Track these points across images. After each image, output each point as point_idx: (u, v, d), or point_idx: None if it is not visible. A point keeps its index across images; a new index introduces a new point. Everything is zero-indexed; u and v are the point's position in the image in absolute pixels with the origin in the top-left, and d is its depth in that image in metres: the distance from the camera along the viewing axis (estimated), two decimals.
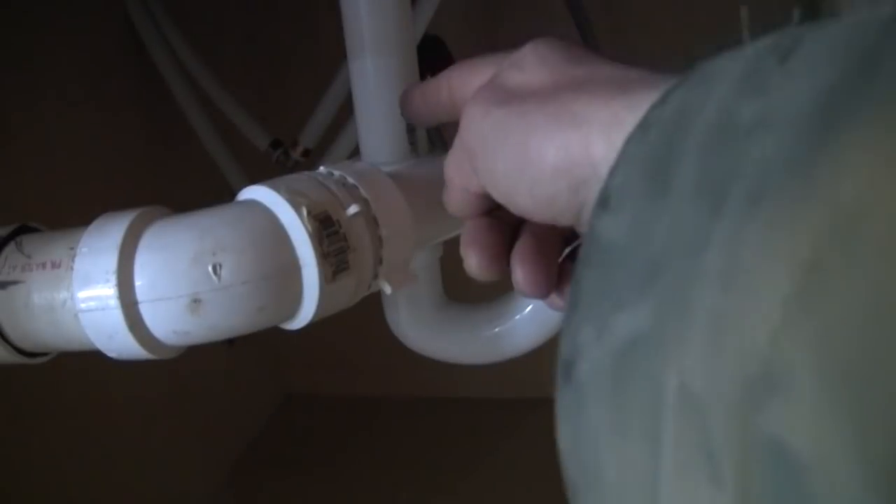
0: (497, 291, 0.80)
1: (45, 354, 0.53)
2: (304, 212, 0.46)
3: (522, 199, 0.34)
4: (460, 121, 0.39)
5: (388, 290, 0.52)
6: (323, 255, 0.46)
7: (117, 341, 0.46)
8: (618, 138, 0.28)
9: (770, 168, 0.20)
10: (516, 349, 0.77)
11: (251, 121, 1.11)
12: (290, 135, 1.10)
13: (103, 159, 1.08)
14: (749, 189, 0.20)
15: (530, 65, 0.37)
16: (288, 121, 1.12)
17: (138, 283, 0.45)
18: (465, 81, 0.42)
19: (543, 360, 0.83)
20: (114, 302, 0.45)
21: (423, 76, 0.82)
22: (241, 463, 1.43)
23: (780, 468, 0.17)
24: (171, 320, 0.45)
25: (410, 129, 0.71)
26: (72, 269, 0.47)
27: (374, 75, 0.70)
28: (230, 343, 1.37)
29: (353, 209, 0.48)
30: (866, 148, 0.18)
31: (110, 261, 0.45)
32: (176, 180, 1.21)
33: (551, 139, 0.32)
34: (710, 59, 0.25)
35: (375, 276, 0.51)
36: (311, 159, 1.09)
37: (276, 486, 1.37)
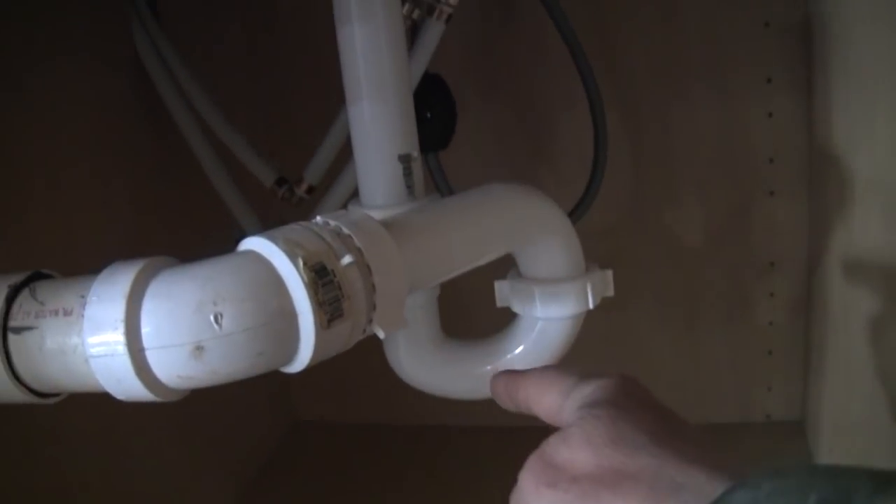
0: (493, 328, 0.83)
1: (56, 395, 0.56)
2: (301, 262, 0.49)
3: None
4: (516, 490, 0.43)
5: (381, 334, 0.55)
6: (318, 304, 0.49)
7: (125, 385, 0.49)
8: None
9: None
10: None
11: (258, 158, 1.14)
12: (295, 172, 1.12)
13: (113, 199, 1.10)
14: None
15: (577, 444, 0.40)
16: (293, 158, 1.14)
17: (145, 330, 0.48)
18: (537, 398, 0.48)
19: None
20: (122, 348, 0.47)
21: (422, 113, 0.85)
22: (249, 489, 1.44)
23: None
24: (176, 366, 0.48)
25: (407, 173, 0.74)
26: (83, 316, 0.49)
27: (370, 121, 0.73)
28: None
29: (347, 259, 0.51)
30: None
31: (119, 309, 0.48)
32: (185, 217, 1.23)
33: None
34: (741, 489, 0.30)
35: (369, 321, 0.54)
36: (314, 196, 1.11)
37: None
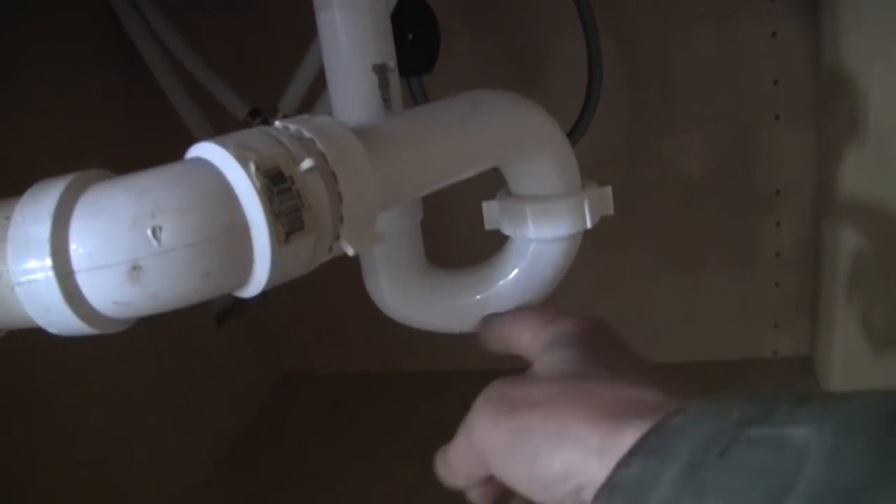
0: (481, 255, 0.76)
1: None
2: (252, 167, 0.42)
3: (533, 493, 0.40)
4: (469, 419, 0.46)
5: (350, 251, 0.48)
6: (274, 215, 0.42)
7: (55, 314, 0.42)
8: (606, 460, 0.35)
9: None
10: None
11: (228, 90, 1.08)
12: (269, 102, 1.06)
13: (72, 127, 1.05)
14: None
15: (540, 375, 0.45)
16: (267, 88, 1.08)
17: (74, 251, 0.41)
18: (517, 337, 0.54)
19: None
20: (49, 273, 0.41)
21: (401, 34, 0.78)
22: (238, 444, 1.40)
23: None
24: (110, 290, 0.42)
25: (383, 85, 0.67)
26: (5, 239, 0.43)
27: (341, 28, 0.66)
28: (219, 323, 1.35)
29: (307, 163, 0.44)
30: None
31: (44, 229, 0.41)
32: (151, 154, 1.17)
33: (555, 456, 0.38)
34: (677, 414, 0.33)
35: (336, 237, 0.47)
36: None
37: (274, 466, 1.35)
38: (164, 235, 0.41)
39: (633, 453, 0.33)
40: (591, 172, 0.71)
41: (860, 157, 1.00)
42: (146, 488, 1.14)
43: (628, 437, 0.34)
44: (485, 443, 0.43)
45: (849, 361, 1.13)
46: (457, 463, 0.49)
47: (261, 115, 1.06)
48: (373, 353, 1.52)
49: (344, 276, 0.75)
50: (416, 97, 0.95)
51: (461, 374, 1.50)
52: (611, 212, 0.70)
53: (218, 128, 1.08)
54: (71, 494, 0.99)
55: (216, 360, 1.37)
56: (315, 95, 0.99)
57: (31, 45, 0.97)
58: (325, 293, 1.18)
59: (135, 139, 1.15)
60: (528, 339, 0.50)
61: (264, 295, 0.46)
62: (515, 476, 0.41)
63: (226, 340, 1.37)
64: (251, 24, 1.37)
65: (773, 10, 1.21)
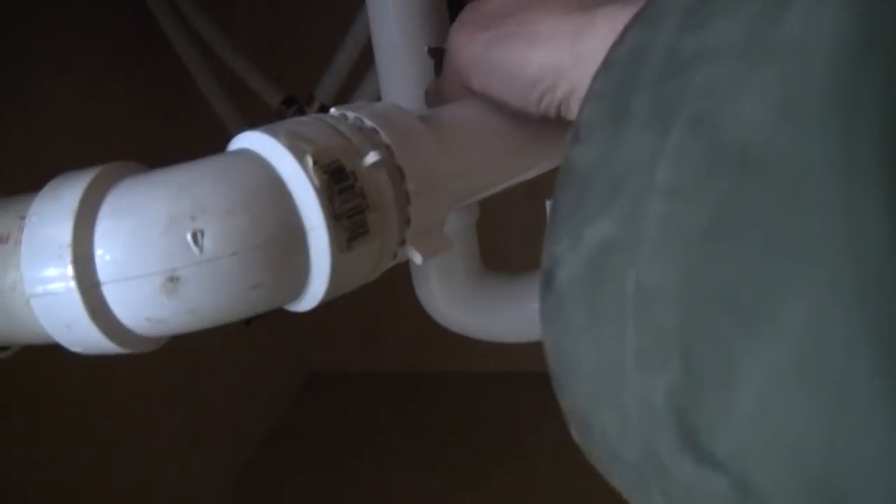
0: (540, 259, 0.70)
1: (5, 348, 0.44)
2: (310, 161, 0.36)
3: (512, 100, 0.44)
4: (449, 40, 0.47)
5: (418, 259, 0.42)
6: (335, 217, 0.36)
7: (77, 332, 0.36)
8: (579, 49, 0.38)
9: (707, 92, 0.25)
10: None
11: (262, 76, 1.03)
12: (305, 90, 1.01)
13: (101, 122, 1.01)
14: (692, 112, 0.25)
15: None
16: (303, 75, 1.03)
17: (100, 258, 0.35)
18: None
19: None
20: (70, 283, 0.35)
21: (453, 12, 0.73)
22: (265, 445, 1.38)
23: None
24: (142, 304, 0.35)
25: (439, 71, 0.61)
26: (20, 242, 0.37)
27: (394, 7, 0.60)
28: (247, 323, 1.31)
29: (372, 157, 0.38)
30: None
31: (64, 231, 0.36)
32: (181, 145, 1.12)
33: (530, 58, 0.41)
34: None
35: (402, 243, 0.41)
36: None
37: (302, 467, 1.33)
38: (206, 241, 0.35)
39: (624, 34, 0.31)
40: None
41: None
42: (172, 487, 1.12)
43: (600, 22, 0.37)
44: (465, 59, 0.45)
45: None
46: (445, 89, 0.51)
47: (296, 103, 1.00)
48: (405, 352, 1.49)
49: None
50: None
51: (495, 376, 1.48)
52: None
53: (249, 119, 1.02)
54: (96, 491, 0.96)
55: (245, 359, 1.34)
56: (354, 83, 0.93)
57: (51, 28, 0.93)
58: (356, 290, 1.14)
59: (158, 129, 1.11)
60: None
61: None
62: (496, 86, 0.44)
63: (255, 338, 1.33)
64: (284, 5, 1.33)
65: None
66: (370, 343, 1.54)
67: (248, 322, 1.30)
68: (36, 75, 0.90)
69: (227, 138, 0.89)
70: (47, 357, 0.77)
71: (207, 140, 0.99)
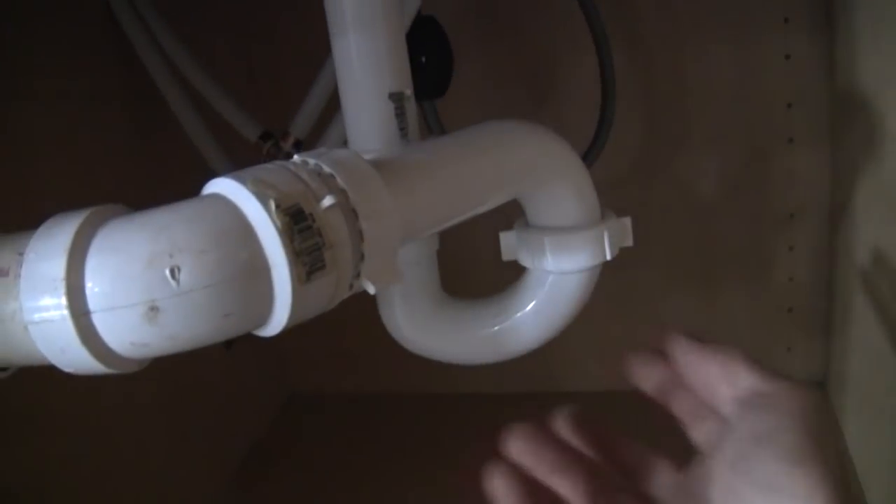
0: (498, 285, 0.76)
1: (4, 369, 0.49)
2: (273, 205, 0.41)
3: None
4: None
5: (371, 289, 0.47)
6: (295, 254, 0.41)
7: (70, 355, 0.42)
8: None
9: None
10: (518, 348, 0.72)
11: (240, 112, 1.07)
12: (280, 126, 1.05)
13: (84, 155, 1.04)
14: None
15: None
16: (279, 111, 1.07)
17: (89, 290, 0.41)
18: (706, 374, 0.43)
19: (549, 354, 0.82)
20: (64, 312, 0.40)
21: (417, 58, 0.78)
22: (245, 464, 1.40)
23: None
24: (127, 331, 0.41)
25: (400, 114, 0.66)
26: (19, 276, 0.42)
27: (357, 55, 0.65)
28: (228, 346, 1.35)
29: (328, 201, 0.43)
30: None
31: (58, 266, 0.41)
32: (162, 176, 1.17)
33: None
34: None
35: (357, 275, 0.46)
36: (302, 151, 1.03)
37: (281, 486, 1.34)
38: (182, 276, 0.40)
39: None
40: (605, 191, 0.71)
41: (876, 181, 0.99)
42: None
43: None
44: None
45: (863, 386, 1.12)
46: None
47: (272, 138, 1.05)
48: (380, 374, 1.52)
49: (352, 297, 0.75)
50: (430, 121, 0.95)
51: (470, 397, 1.51)
52: (630, 243, 0.70)
53: (228, 151, 1.07)
54: None
55: (225, 380, 1.37)
56: (326, 117, 0.99)
57: (31, 44, 0.97)
58: (333, 314, 1.17)
59: (141, 161, 1.15)
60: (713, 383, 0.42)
61: None
62: None
63: (235, 361, 1.37)
64: (261, 45, 1.38)
65: (788, 33, 1.20)
66: (345, 366, 1.58)
67: (227, 345, 1.35)
68: (24, 110, 0.94)
69: (206, 169, 0.95)
70: (36, 379, 0.81)
71: (187, 171, 1.04)
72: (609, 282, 1.30)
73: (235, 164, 1.05)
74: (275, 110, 1.11)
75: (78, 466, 0.99)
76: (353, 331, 1.33)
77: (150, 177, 1.15)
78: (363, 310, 0.78)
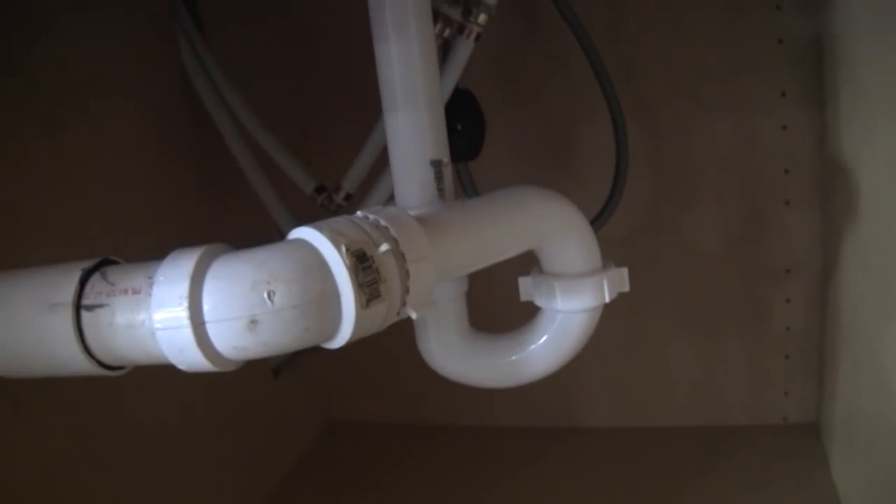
0: (517, 322, 0.89)
1: (122, 368, 0.62)
2: (343, 248, 0.55)
3: None
4: None
5: (414, 315, 0.61)
6: (359, 285, 0.55)
7: (187, 355, 0.55)
8: None
9: None
10: (533, 375, 0.85)
11: (298, 167, 1.19)
12: (333, 180, 1.17)
13: (158, 203, 1.15)
14: None
15: None
16: (332, 167, 1.19)
17: (206, 306, 0.54)
18: None
19: (567, 392, 0.88)
20: (185, 322, 0.54)
21: (453, 125, 0.91)
22: (282, 489, 1.46)
23: None
24: (232, 338, 0.54)
25: (439, 177, 0.80)
26: (150, 294, 0.56)
27: (405, 129, 0.80)
28: (276, 374, 1.46)
29: (384, 247, 0.58)
30: None
31: (183, 287, 0.54)
32: (227, 223, 1.30)
33: None
34: None
35: (403, 304, 0.61)
36: (352, 203, 1.16)
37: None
38: (276, 298, 0.54)
39: None
40: (617, 244, 0.82)
41: (856, 239, 1.10)
42: None
43: None
44: None
45: (847, 426, 1.21)
46: None
47: (325, 191, 1.17)
48: (414, 405, 1.61)
49: (391, 331, 0.85)
50: (463, 180, 1.07)
51: (498, 430, 1.57)
52: (627, 289, 0.83)
53: (287, 203, 1.19)
54: None
55: (268, 407, 1.45)
56: (376, 173, 1.10)
57: (110, 101, 1.07)
58: (372, 346, 1.24)
59: (207, 208, 1.27)
60: None
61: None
62: None
63: (279, 388, 1.45)
64: (316, 106, 1.52)
65: (784, 106, 1.33)
66: (382, 396, 1.66)
67: (276, 373, 1.47)
68: (113, 163, 1.05)
69: (264, 217, 1.04)
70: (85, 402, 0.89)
71: (244, 217, 1.14)
72: (621, 328, 1.43)
73: (292, 212, 1.18)
74: (322, 166, 1.23)
75: (123, 480, 1.04)
76: (388, 364, 1.43)
77: (213, 220, 1.27)
78: (400, 344, 0.92)
